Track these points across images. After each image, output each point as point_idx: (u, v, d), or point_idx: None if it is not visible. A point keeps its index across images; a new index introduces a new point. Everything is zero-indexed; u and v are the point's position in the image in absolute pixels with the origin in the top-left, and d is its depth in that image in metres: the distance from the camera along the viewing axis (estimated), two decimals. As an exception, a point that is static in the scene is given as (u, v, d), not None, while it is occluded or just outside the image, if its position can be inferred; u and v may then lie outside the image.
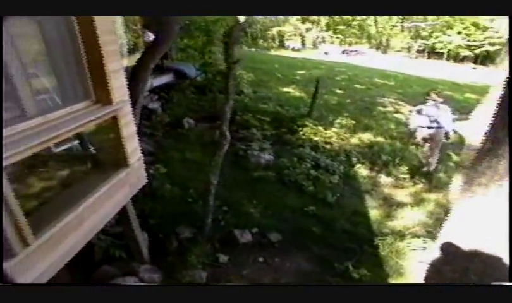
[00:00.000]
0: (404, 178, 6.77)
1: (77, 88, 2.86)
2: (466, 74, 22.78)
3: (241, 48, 14.47)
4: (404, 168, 7.00)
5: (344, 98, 12.25)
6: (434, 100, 6.76)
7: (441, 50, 41.54)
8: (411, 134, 7.38)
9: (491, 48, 36.16)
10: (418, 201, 6.05)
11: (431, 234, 5.01)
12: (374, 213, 5.70)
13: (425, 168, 7.00)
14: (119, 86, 3.08)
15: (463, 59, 41.95)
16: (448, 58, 41.81)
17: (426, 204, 5.92)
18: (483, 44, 37.78)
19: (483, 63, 39.04)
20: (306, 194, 6.05)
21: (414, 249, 4.77)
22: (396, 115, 10.95)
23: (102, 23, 2.73)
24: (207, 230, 4.73)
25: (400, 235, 5.07)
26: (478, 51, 39.44)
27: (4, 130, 2.12)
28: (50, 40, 2.60)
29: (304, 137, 8.12)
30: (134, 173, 3.48)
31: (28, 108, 2.36)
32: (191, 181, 5.92)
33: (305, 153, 7.23)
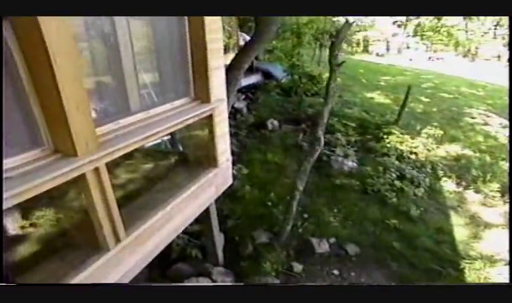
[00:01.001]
0: (494, 196, 5.89)
1: (178, 84, 2.74)
2: None
3: (325, 52, 13.96)
4: (495, 185, 6.11)
5: (430, 107, 11.16)
6: None
7: (537, 60, 35.59)
8: None
9: None
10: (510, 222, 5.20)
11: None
12: (460, 232, 5.03)
13: None
14: (218, 84, 2.89)
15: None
16: (545, 68, 35.74)
17: (520, 227, 5.03)
18: None
19: None
20: (389, 205, 5.51)
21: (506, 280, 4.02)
22: (484, 127, 9.64)
23: (210, 21, 2.56)
24: (284, 236, 4.44)
25: (491, 260, 4.35)
26: None
27: (110, 124, 2.04)
28: (160, 39, 2.52)
29: (389, 145, 7.44)
30: (222, 174, 3.28)
31: (133, 103, 2.27)
32: (271, 184, 5.67)
33: (390, 162, 6.62)
